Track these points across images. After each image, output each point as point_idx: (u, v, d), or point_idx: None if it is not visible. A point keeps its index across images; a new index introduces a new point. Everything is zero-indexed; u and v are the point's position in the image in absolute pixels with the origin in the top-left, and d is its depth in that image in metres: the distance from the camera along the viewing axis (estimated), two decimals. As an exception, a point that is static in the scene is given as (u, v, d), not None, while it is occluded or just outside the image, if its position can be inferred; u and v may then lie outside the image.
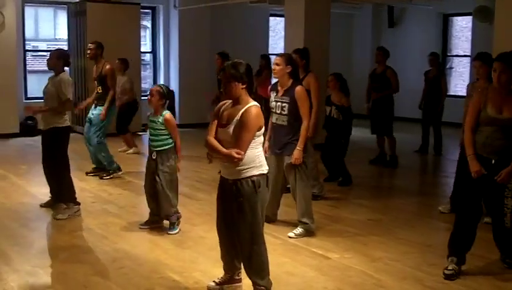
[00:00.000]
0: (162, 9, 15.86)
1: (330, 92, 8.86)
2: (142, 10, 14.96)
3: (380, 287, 5.16)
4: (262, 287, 4.64)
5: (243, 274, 4.89)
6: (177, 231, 6.49)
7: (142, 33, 15.39)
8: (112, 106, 9.31)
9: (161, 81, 16.04)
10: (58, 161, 7.17)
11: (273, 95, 6.49)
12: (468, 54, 16.28)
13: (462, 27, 17.19)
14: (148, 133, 6.77)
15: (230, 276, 4.99)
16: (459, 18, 17.14)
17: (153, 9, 15.99)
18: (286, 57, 6.36)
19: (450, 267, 5.39)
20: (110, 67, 9.37)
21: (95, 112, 9.20)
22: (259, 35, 16.82)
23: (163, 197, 6.49)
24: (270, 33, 17.56)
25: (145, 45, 15.96)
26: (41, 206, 7.55)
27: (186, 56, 15.34)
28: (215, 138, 4.59)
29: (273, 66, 6.36)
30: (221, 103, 4.75)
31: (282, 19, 12.96)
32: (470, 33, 16.42)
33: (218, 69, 9.98)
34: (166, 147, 6.52)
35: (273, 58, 7.90)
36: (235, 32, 15.98)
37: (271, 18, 17.39)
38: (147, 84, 16.20)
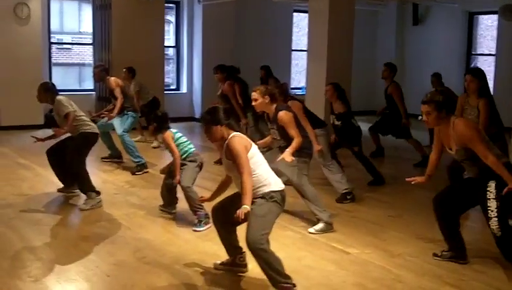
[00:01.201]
0: (186, 4, 15.89)
1: (330, 101, 8.74)
2: (166, 4, 15.05)
3: (399, 282, 5.17)
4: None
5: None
6: (203, 228, 6.47)
7: (166, 27, 15.45)
8: (127, 113, 9.78)
9: (184, 75, 16.11)
10: (78, 159, 7.35)
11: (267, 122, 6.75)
12: (493, 52, 16.14)
13: (488, 26, 17.03)
14: None
15: (232, 259, 5.25)
16: (485, 16, 16.97)
17: (177, 4, 16.03)
18: (261, 90, 6.44)
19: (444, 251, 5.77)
20: (112, 80, 9.82)
21: (115, 122, 9.62)
22: (283, 31, 16.83)
23: (187, 197, 6.62)
24: (294, 29, 17.52)
25: (169, 40, 16.03)
26: (59, 190, 7.83)
27: (209, 51, 15.36)
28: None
29: (252, 102, 6.46)
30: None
31: (306, 15, 12.93)
32: (495, 32, 16.24)
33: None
34: (184, 155, 6.81)
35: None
36: (258, 27, 16.00)
37: (295, 14, 17.35)
38: (169, 78, 16.29)
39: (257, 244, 4.53)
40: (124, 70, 11.79)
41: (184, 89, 16.09)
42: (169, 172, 6.86)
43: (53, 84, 7.73)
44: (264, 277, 4.80)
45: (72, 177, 7.48)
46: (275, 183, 4.79)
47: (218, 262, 5.33)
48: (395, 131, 10.58)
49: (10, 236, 6.13)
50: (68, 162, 7.37)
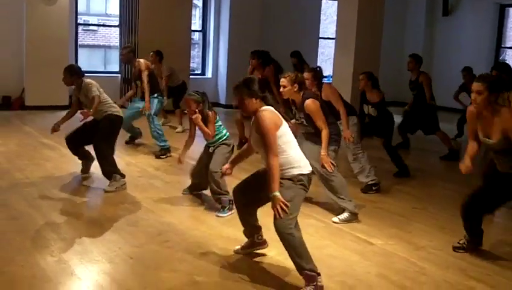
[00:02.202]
0: (213, -12, 15.86)
1: (364, 90, 8.65)
2: (194, -12, 15.02)
3: (423, 275, 5.12)
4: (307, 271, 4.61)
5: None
6: (227, 214, 6.45)
7: (193, 12, 15.42)
8: (156, 97, 9.72)
9: (209, 60, 16.08)
10: (105, 143, 7.35)
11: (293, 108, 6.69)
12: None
13: (518, 18, 16.88)
14: None
15: (251, 240, 5.26)
16: (516, 9, 16.80)
17: (205, -12, 16.00)
18: (291, 78, 6.37)
19: (460, 241, 5.74)
20: (142, 62, 9.73)
21: (140, 105, 9.63)
22: (311, 18, 16.71)
23: (211, 181, 6.57)
24: (321, 17, 17.40)
25: (195, 24, 15.99)
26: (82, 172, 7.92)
27: (236, 36, 15.33)
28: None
29: (281, 88, 6.39)
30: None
31: (334, 2, 12.84)
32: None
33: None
34: (220, 139, 6.81)
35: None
36: (286, 14, 15.91)
37: (323, 1, 17.22)
38: (194, 63, 16.26)
39: (285, 229, 4.49)
40: (152, 53, 11.75)
41: (209, 74, 16.07)
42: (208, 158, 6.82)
43: (79, 67, 7.74)
44: (285, 265, 4.81)
45: (98, 160, 7.45)
46: (304, 166, 4.71)
47: (238, 247, 5.33)
48: (424, 126, 10.42)
49: (34, 215, 6.14)
50: (94, 145, 7.36)
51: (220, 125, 6.90)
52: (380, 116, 8.37)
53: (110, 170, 7.28)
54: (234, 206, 6.25)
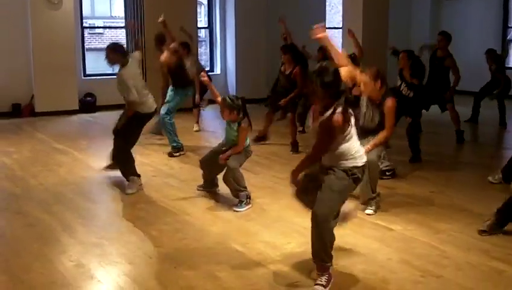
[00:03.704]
0: (217, -15, 15.79)
1: (402, 68, 8.65)
2: (197, -14, 14.96)
3: (445, 258, 5.09)
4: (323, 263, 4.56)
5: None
6: (244, 209, 6.40)
7: (198, 9, 15.37)
8: (180, 89, 9.55)
9: (217, 57, 16.03)
10: (125, 138, 7.26)
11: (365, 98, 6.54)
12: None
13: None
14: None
15: None
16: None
17: (209, -15, 15.93)
18: (373, 74, 6.32)
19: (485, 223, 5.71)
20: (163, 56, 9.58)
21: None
22: (316, 9, 16.62)
23: (231, 178, 6.49)
24: (327, 7, 17.32)
25: (201, 21, 15.94)
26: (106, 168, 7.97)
27: (242, 31, 15.27)
28: None
29: (361, 86, 6.30)
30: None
31: (339, -8, 12.78)
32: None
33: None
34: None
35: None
36: (291, 6, 15.83)
37: (328, -9, 17.17)
38: (202, 60, 16.20)
39: (324, 221, 4.41)
40: (179, 46, 10.90)
41: (218, 70, 16.02)
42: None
43: (121, 46, 7.53)
44: (304, 257, 4.84)
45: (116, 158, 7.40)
46: (359, 158, 4.57)
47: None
48: (440, 102, 10.32)
49: (50, 221, 6.11)
50: (114, 139, 7.31)
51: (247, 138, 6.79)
52: (415, 96, 8.43)
53: (127, 171, 7.23)
54: (252, 201, 6.26)
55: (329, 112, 4.32)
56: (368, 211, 6.30)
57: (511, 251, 5.23)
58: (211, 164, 6.83)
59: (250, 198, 6.50)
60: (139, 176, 7.29)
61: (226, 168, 6.56)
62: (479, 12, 16.55)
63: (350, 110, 4.44)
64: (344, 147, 4.48)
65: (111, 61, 7.26)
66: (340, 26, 12.38)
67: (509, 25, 16.76)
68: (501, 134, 11.65)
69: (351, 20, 11.67)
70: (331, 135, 4.37)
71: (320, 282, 4.47)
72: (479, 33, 15.93)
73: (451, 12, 17.14)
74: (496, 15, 16.42)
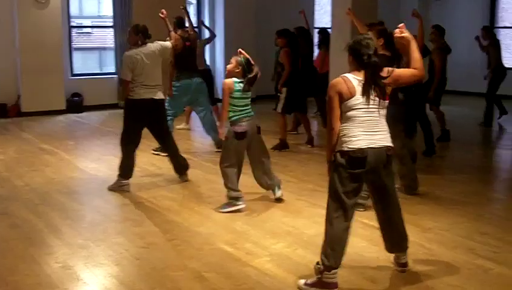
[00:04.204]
0: (206, -16, 15.74)
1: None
2: (187, -15, 14.90)
3: (432, 256, 5.13)
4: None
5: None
6: (225, 210, 6.26)
7: (187, 8, 15.30)
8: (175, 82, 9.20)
9: (207, 57, 15.97)
10: (125, 132, 7.20)
11: None
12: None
13: (510, -1, 16.84)
14: None
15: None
16: (507, -11, 16.76)
17: (198, -16, 15.88)
18: (377, 30, 6.24)
19: None
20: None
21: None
22: (306, 9, 16.55)
23: (222, 177, 6.38)
24: (316, 7, 17.30)
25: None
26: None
27: (231, 30, 15.24)
28: None
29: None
30: None
31: (328, -8, 12.78)
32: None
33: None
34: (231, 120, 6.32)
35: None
36: (280, 6, 15.82)
37: (317, -8, 17.16)
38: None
39: (326, 218, 4.42)
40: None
41: (206, 68, 15.97)
42: None
43: (145, 27, 7.34)
44: (293, 257, 4.90)
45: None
46: (350, 143, 4.29)
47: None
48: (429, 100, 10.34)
49: (36, 222, 6.06)
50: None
51: (242, 106, 6.28)
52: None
53: (120, 168, 7.17)
54: (239, 203, 6.18)
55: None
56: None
57: (497, 249, 5.27)
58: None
59: (238, 201, 6.32)
60: (128, 178, 7.19)
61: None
62: (467, 12, 16.65)
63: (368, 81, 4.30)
64: (342, 127, 4.34)
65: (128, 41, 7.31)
66: (329, 26, 12.33)
67: (496, 26, 16.83)
68: (487, 133, 11.67)
69: (340, 20, 11.63)
70: (329, 101, 4.31)
71: (309, 282, 4.44)
72: (466, 34, 15.96)
73: (439, 13, 17.19)
74: (483, 16, 16.51)
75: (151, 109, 7.15)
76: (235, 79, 6.23)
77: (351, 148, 4.28)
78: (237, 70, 6.24)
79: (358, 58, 4.36)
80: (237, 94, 6.19)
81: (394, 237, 4.72)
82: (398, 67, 4.99)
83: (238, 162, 6.32)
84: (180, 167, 7.56)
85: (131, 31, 7.25)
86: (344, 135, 4.31)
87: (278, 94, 9.43)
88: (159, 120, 7.40)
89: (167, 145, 7.56)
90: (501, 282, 4.66)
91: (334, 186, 4.35)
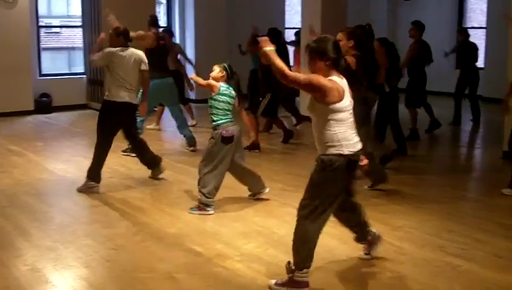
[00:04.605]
0: (176, -16, 15.68)
1: None
2: (156, -15, 14.82)
3: (402, 254, 5.18)
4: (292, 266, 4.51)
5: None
6: (195, 212, 6.22)
7: (157, 9, 15.25)
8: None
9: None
10: (100, 135, 7.15)
11: None
12: (484, 26, 16.13)
13: (478, -1, 17.06)
14: None
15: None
16: (474, -10, 17.00)
17: (167, -15, 15.80)
18: (347, 32, 6.35)
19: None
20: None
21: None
22: (276, 9, 16.65)
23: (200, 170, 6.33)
24: (286, 7, 17.34)
25: (160, 20, 15.80)
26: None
27: (202, 30, 15.20)
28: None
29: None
30: None
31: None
32: (484, 6, 16.23)
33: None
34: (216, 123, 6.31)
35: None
36: (251, 5, 15.82)
37: (287, -8, 17.19)
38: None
39: (298, 215, 4.42)
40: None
41: (176, 69, 15.91)
42: None
43: (125, 30, 7.34)
44: (263, 256, 4.92)
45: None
46: (345, 147, 4.31)
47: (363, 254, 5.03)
48: (408, 97, 10.55)
49: (4, 224, 5.98)
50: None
51: (226, 110, 6.28)
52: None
53: (91, 172, 7.09)
54: (209, 209, 6.17)
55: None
56: None
57: (465, 247, 5.34)
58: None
59: (208, 207, 6.25)
60: (98, 181, 7.12)
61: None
62: (436, 13, 16.81)
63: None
64: (331, 131, 4.29)
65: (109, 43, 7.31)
66: (299, 26, 12.40)
67: (465, 26, 16.99)
68: (457, 132, 11.78)
69: (310, 20, 11.68)
70: (320, 81, 4.22)
71: (279, 282, 4.45)
72: (434, 34, 16.10)
73: (408, 13, 17.34)
74: (452, 16, 16.72)
75: (129, 112, 7.21)
76: (221, 83, 6.27)
77: (352, 151, 4.33)
78: (222, 75, 6.31)
79: (336, 61, 4.35)
80: (222, 97, 6.22)
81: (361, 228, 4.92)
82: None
83: (221, 168, 6.26)
84: (152, 161, 7.56)
85: (112, 33, 7.26)
86: (343, 138, 4.30)
87: (261, 99, 9.43)
88: (132, 123, 7.46)
89: (137, 142, 7.55)
90: (469, 278, 4.71)
91: (328, 189, 4.36)
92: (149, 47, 9.04)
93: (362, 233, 4.97)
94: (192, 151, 9.17)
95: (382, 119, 8.45)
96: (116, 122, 7.18)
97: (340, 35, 6.32)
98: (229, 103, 6.26)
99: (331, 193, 4.36)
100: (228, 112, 6.26)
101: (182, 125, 9.42)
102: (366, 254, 5.02)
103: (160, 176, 7.58)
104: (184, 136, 9.41)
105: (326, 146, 4.31)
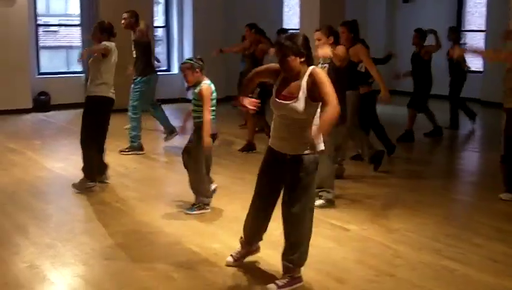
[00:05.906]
0: (175, -16, 15.71)
1: None
2: (154, -16, 14.84)
3: (398, 257, 5.18)
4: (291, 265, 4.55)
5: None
6: (193, 212, 6.24)
7: (155, 8, 15.27)
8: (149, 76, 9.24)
9: (175, 56, 15.96)
10: (86, 130, 7.15)
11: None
12: (483, 29, 16.12)
13: (476, 3, 16.98)
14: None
15: (247, 250, 4.94)
16: (474, -7, 16.99)
17: (166, -17, 15.83)
18: (325, 29, 6.36)
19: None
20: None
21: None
22: (274, 10, 16.68)
23: (192, 171, 6.31)
24: (284, 9, 17.37)
25: (157, 20, 15.83)
26: None
27: (200, 30, 15.22)
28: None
29: (315, 42, 6.25)
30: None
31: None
32: (483, 9, 16.24)
33: None
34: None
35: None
36: (249, 6, 15.84)
37: (286, -7, 17.23)
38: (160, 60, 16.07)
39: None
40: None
41: (175, 70, 15.92)
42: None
43: (110, 25, 7.32)
44: (261, 256, 4.94)
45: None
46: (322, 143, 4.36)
47: (231, 260, 4.91)
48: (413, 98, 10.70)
49: (3, 222, 6.01)
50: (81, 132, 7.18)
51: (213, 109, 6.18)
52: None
53: (85, 169, 7.08)
54: (207, 209, 6.19)
55: (308, 70, 4.28)
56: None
57: (462, 251, 5.35)
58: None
59: (207, 206, 6.32)
60: (95, 181, 7.13)
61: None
62: (434, 15, 16.78)
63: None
64: (310, 127, 4.30)
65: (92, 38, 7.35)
66: (298, 27, 12.44)
67: (462, 29, 17.03)
68: (454, 136, 11.81)
69: (308, 21, 11.72)
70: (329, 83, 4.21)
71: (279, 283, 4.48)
72: (432, 37, 16.14)
73: (406, 15, 17.38)
74: (450, 19, 16.69)
75: (111, 108, 7.24)
76: (209, 82, 6.24)
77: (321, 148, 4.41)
78: (198, 72, 6.28)
79: (309, 57, 4.38)
80: (213, 95, 6.22)
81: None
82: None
83: (207, 166, 6.30)
84: (104, 167, 7.44)
85: (96, 28, 7.24)
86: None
87: (251, 95, 9.43)
88: (109, 120, 7.37)
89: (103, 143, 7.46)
90: (466, 282, 4.73)
91: (314, 186, 4.49)
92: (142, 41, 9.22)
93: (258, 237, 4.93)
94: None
95: (362, 121, 8.50)
96: (107, 118, 7.24)
97: (318, 34, 6.30)
98: (215, 99, 6.22)
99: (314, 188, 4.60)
100: (214, 110, 6.19)
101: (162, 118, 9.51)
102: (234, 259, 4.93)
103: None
104: (164, 126, 9.53)
105: (305, 146, 4.30)
